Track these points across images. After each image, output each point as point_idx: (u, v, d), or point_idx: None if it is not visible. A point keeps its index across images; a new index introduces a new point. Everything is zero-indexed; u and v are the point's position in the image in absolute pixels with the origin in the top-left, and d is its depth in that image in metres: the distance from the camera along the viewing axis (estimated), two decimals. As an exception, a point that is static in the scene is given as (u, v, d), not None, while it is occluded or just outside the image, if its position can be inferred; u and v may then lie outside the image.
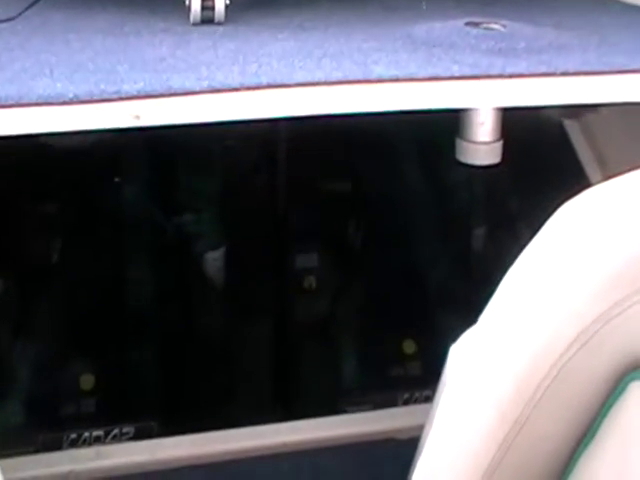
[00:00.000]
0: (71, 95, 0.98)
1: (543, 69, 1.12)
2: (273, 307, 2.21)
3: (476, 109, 1.32)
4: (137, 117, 1.01)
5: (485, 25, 1.35)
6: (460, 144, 1.39)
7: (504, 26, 1.34)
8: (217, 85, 1.03)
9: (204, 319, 2.15)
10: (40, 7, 1.58)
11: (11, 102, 0.97)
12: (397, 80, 1.07)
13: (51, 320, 1.98)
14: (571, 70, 1.12)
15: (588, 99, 1.14)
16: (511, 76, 1.11)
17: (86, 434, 1.87)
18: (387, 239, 2.23)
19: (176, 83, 1.03)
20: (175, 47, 1.23)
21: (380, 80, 1.07)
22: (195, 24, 1.43)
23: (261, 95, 1.03)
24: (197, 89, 1.02)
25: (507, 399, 0.76)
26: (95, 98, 0.98)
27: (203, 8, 1.43)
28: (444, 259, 2.22)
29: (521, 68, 1.13)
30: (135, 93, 1.00)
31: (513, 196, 2.21)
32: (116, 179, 2.15)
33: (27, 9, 1.54)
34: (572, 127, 2.01)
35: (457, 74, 1.10)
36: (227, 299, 2.18)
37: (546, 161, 2.05)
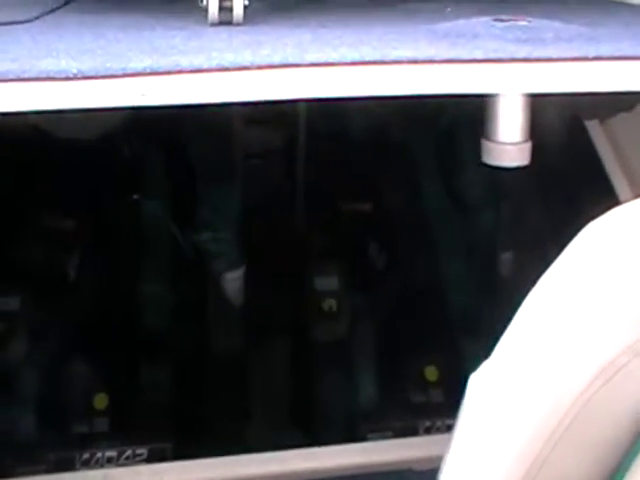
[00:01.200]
0: (75, 71, 0.95)
1: (574, 54, 1.07)
2: (292, 329, 2.17)
3: (503, 105, 1.27)
4: (143, 95, 0.98)
5: (512, 21, 1.31)
6: (486, 145, 1.33)
7: (531, 21, 1.29)
8: (226, 64, 1.00)
9: (221, 340, 2.11)
10: (59, 13, 1.57)
11: (11, 77, 0.94)
12: (415, 62, 1.03)
13: (66, 337, 1.95)
14: (605, 55, 1.06)
15: (622, 86, 1.07)
16: (538, 60, 1.05)
17: (99, 454, 1.83)
18: (409, 261, 2.19)
19: (184, 62, 1.00)
20: (188, 39, 1.20)
21: (397, 61, 1.02)
22: (213, 25, 1.40)
23: (272, 74, 1.00)
24: (205, 67, 0.99)
25: (525, 438, 0.69)
26: (100, 74, 0.95)
27: (221, 9, 1.40)
28: (468, 282, 2.17)
29: (549, 53, 1.07)
30: (141, 70, 0.97)
31: (539, 215, 2.16)
32: (135, 196, 2.13)
33: (46, 14, 1.54)
34: (594, 129, 1.97)
35: (480, 57, 1.05)
36: (245, 320, 2.14)
37: (569, 166, 2.01)
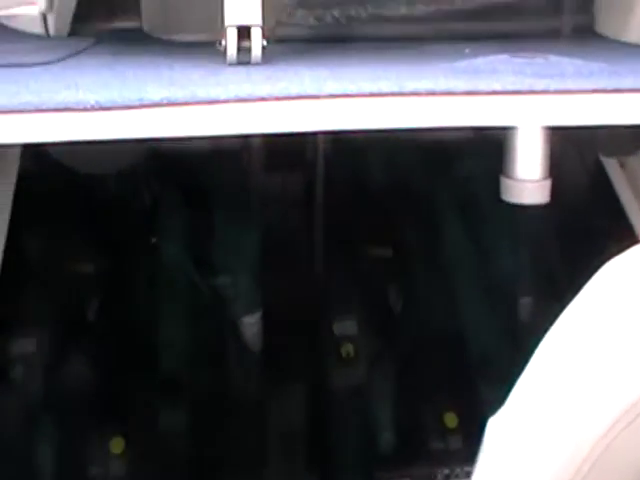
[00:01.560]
0: (92, 102, 0.96)
1: (593, 87, 1.07)
2: (309, 374, 2.15)
3: (522, 139, 1.26)
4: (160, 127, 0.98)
5: (531, 58, 1.31)
6: (505, 182, 1.32)
7: (550, 59, 1.29)
8: (244, 95, 1.00)
9: (239, 384, 2.10)
10: (80, 56, 1.60)
11: (30, 108, 0.95)
12: (433, 94, 1.03)
13: (84, 379, 1.94)
14: (625, 87, 1.06)
15: None
16: (557, 92, 1.05)
17: None
18: (428, 306, 2.18)
19: (201, 93, 1.00)
20: (206, 75, 1.21)
21: (415, 93, 1.03)
22: (231, 65, 1.41)
23: (290, 106, 1.00)
24: (222, 98, 0.99)
25: None
26: (117, 105, 0.96)
27: (239, 49, 1.41)
28: (488, 328, 2.15)
29: (568, 86, 1.07)
30: (158, 101, 0.98)
31: (558, 258, 2.15)
32: (153, 239, 2.14)
33: (68, 57, 1.56)
34: (612, 167, 1.96)
35: (499, 89, 1.05)
36: (263, 364, 2.13)
37: (587, 205, 2.00)
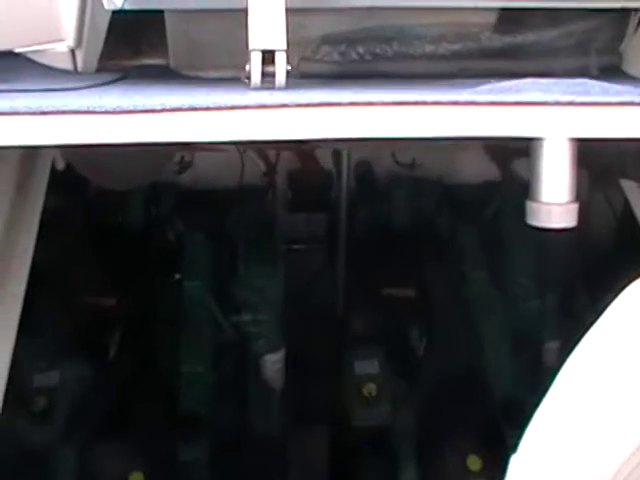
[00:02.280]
0: (115, 106, 0.97)
1: (619, 100, 1.06)
2: (331, 413, 2.14)
3: (548, 155, 1.24)
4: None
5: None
6: (531, 206, 1.30)
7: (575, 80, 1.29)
8: (266, 102, 1.01)
9: (260, 422, 2.09)
10: (107, 85, 1.63)
11: (52, 109, 0.96)
12: (456, 104, 1.03)
13: (104, 413, 1.94)
14: None
15: None
16: (583, 104, 1.04)
17: None
18: (451, 347, 2.16)
19: (222, 101, 1.01)
20: (229, 92, 1.22)
21: (437, 103, 1.03)
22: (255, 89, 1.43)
23: (309, 113, 1.01)
24: (244, 104, 1.00)
25: None
26: (138, 109, 0.97)
27: (263, 75, 1.42)
28: (512, 370, 2.13)
29: (595, 99, 1.06)
30: (179, 106, 0.99)
31: (586, 302, 2.13)
32: (177, 276, 2.15)
33: (95, 85, 1.59)
34: (631, 188, 1.94)
35: (523, 100, 1.04)
36: (285, 403, 2.12)
37: (608, 230, 1.98)
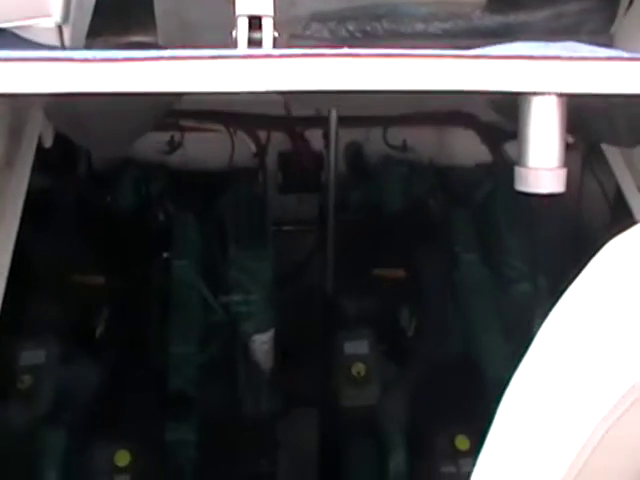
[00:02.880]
0: (95, 55, 0.96)
1: (608, 55, 1.04)
2: (320, 393, 2.13)
3: (536, 110, 1.21)
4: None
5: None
6: (520, 172, 1.28)
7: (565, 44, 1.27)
8: (250, 52, 0.99)
9: (249, 402, 2.08)
10: None
11: (33, 57, 0.95)
12: (442, 57, 1.00)
13: (91, 392, 1.93)
14: None
15: None
16: (571, 59, 1.02)
17: None
18: (441, 329, 2.15)
19: (206, 53, 0.99)
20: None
21: (423, 56, 1.00)
22: None
23: (304, 63, 0.98)
24: (228, 54, 0.98)
25: (544, 471, 0.67)
26: (120, 58, 0.95)
27: (250, 42, 1.40)
28: (502, 351, 2.12)
29: (583, 54, 1.04)
30: (163, 55, 0.97)
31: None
32: (165, 255, 2.14)
33: None
34: (612, 153, 1.92)
35: (511, 54, 1.02)
36: (273, 383, 2.10)
37: (600, 212, 1.96)
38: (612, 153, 1.95)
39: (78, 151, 2.41)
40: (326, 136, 2.31)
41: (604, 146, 2.01)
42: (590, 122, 1.64)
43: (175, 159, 2.45)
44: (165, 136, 2.43)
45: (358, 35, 1.89)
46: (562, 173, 1.26)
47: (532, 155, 1.26)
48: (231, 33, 1.39)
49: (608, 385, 0.64)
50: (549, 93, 1.11)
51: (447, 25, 1.92)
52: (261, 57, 0.98)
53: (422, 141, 2.50)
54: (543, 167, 1.25)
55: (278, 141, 2.49)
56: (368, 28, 1.90)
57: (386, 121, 2.47)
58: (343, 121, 2.18)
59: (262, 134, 2.48)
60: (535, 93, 1.12)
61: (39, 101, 1.70)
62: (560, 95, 1.12)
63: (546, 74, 1.04)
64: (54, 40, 1.77)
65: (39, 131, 2.01)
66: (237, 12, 1.34)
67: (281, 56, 0.97)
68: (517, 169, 1.29)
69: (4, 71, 0.95)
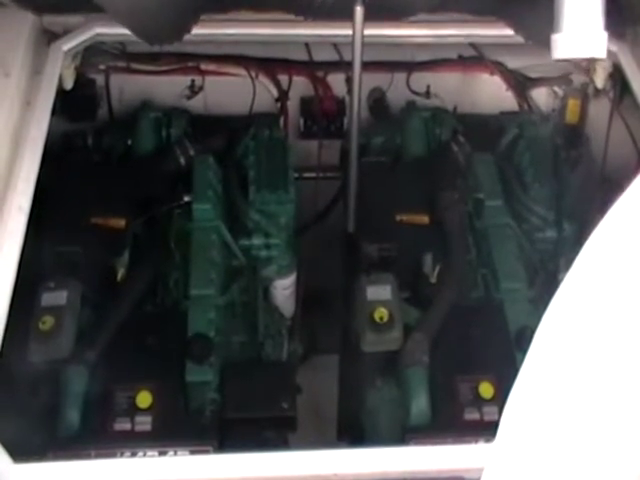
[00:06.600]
0: None
1: None
2: (342, 338, 2.11)
3: None
4: None
5: None
6: (554, 39, 1.22)
7: None
8: None
9: (269, 347, 2.07)
10: None
11: None
12: None
13: (112, 334, 1.92)
14: None
15: None
16: None
17: (140, 453, 1.78)
18: (465, 275, 2.13)
19: None
20: None
21: None
22: None
23: None
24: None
25: None
26: None
27: None
28: (525, 298, 2.09)
29: None
30: None
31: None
32: (186, 198, 2.12)
33: None
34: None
35: None
36: (295, 327, 2.09)
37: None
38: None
39: (99, 94, 2.40)
40: (349, 81, 2.28)
41: (636, 89, 1.98)
42: None
43: (196, 103, 2.42)
44: (186, 80, 2.41)
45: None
46: (602, 36, 1.20)
47: (567, 19, 1.19)
48: None
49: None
50: None
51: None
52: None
53: (446, 88, 2.47)
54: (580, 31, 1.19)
55: (300, 86, 2.46)
56: None
57: (410, 66, 2.44)
58: (366, 66, 2.15)
59: (284, 79, 2.45)
60: None
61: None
62: None
63: None
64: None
65: (59, 72, 2.00)
66: None
67: None
68: (553, 37, 1.23)
69: None
